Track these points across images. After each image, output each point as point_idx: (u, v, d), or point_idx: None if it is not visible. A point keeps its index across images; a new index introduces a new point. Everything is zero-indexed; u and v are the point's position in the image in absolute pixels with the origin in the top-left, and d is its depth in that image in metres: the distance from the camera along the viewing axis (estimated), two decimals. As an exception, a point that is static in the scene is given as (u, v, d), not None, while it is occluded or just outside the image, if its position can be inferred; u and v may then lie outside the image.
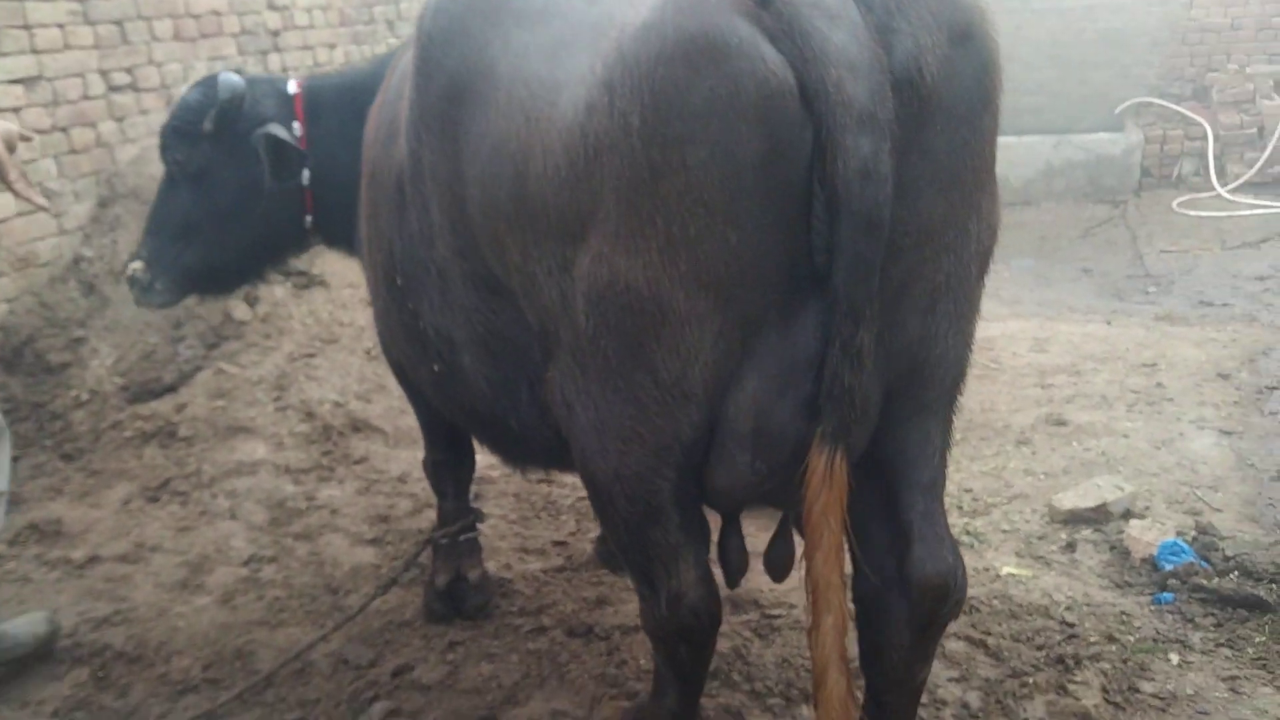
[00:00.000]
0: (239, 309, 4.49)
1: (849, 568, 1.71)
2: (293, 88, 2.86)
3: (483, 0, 1.79)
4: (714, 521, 1.88)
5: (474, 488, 3.16)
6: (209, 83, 2.87)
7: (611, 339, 1.60)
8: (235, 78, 2.81)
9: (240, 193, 2.83)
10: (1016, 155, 8.75)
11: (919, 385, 1.66)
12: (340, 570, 3.19)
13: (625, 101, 1.44)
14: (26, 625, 2.70)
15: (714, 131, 1.41)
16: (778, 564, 1.90)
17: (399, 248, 2.17)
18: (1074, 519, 3.37)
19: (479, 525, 2.99)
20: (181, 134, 2.87)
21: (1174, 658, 2.60)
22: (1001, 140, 7.14)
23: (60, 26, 4.34)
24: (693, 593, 1.77)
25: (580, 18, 1.63)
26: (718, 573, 1.88)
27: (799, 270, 1.50)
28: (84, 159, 4.50)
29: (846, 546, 1.68)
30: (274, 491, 3.71)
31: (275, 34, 5.64)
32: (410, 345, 2.31)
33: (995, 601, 2.88)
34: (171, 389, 4.20)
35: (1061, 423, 4.20)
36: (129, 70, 4.68)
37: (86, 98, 4.49)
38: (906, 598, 1.72)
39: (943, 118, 1.48)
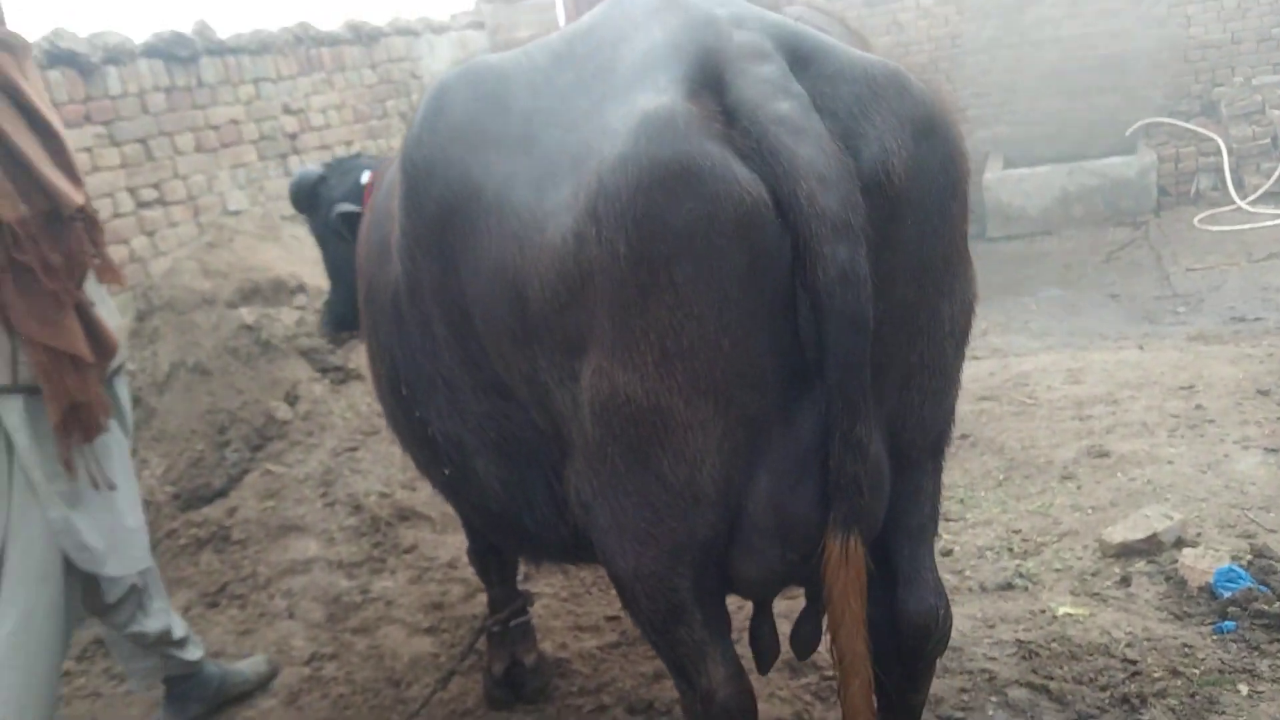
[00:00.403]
0: (280, 409, 4.60)
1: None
2: (365, 177, 3.10)
3: (464, 129, 1.83)
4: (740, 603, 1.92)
5: (522, 569, 3.21)
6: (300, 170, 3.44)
7: (618, 447, 1.66)
8: (309, 169, 3.33)
9: (338, 255, 3.16)
10: (1032, 186, 8.82)
11: (901, 449, 1.75)
12: (400, 662, 3.23)
13: (610, 230, 1.51)
14: (251, 665, 3.22)
15: (697, 249, 1.48)
16: (804, 644, 1.95)
17: (401, 359, 2.24)
18: (1126, 552, 3.35)
19: (529, 609, 3.02)
20: (296, 210, 3.42)
21: (1243, 688, 2.57)
22: (1015, 172, 7.33)
23: (88, 150, 4.54)
24: (723, 690, 1.78)
25: (560, 146, 1.66)
26: (749, 660, 1.92)
27: (794, 367, 1.57)
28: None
29: None
30: (329, 587, 3.77)
31: (293, 137, 5.85)
32: (420, 450, 2.39)
33: (1054, 644, 2.86)
34: (222, 494, 4.30)
35: (1104, 454, 4.18)
36: (156, 185, 4.88)
37: (117, 215, 4.68)
38: (895, 635, 1.82)
39: (912, 212, 1.56)
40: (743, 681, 1.80)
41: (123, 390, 2.74)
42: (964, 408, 4.95)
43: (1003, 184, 8.91)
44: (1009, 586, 3.30)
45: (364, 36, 6.37)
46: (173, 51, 4.96)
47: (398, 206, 2.03)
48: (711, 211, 1.45)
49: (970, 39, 9.54)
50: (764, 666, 1.97)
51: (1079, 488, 3.98)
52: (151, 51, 4.88)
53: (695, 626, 1.77)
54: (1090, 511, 3.76)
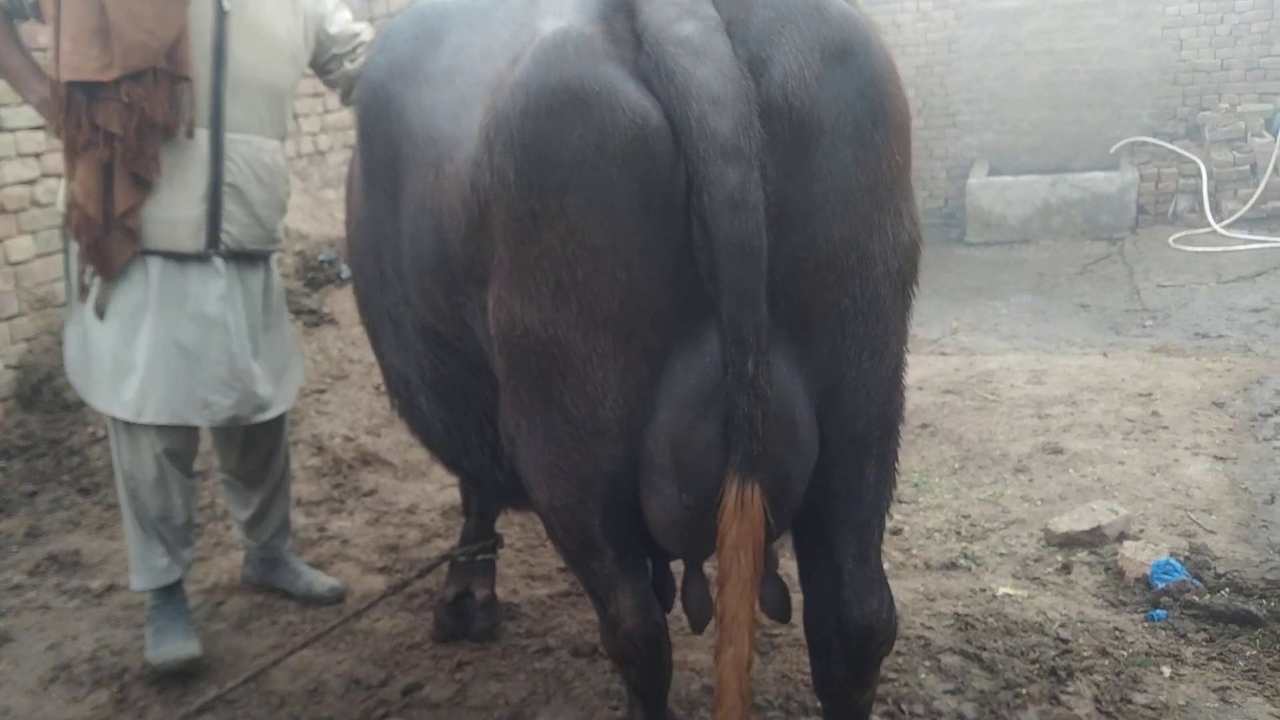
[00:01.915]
0: (252, 347, 4.60)
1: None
2: None
3: (400, 64, 1.85)
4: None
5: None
6: None
7: (522, 379, 1.66)
8: None
9: None
10: (1014, 194, 8.93)
11: (843, 414, 1.66)
12: (351, 597, 3.26)
13: (500, 157, 1.50)
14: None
15: (587, 177, 1.45)
16: (693, 612, 1.87)
17: (363, 293, 2.28)
18: (1069, 542, 3.44)
19: (498, 549, 3.06)
20: None
21: (1166, 670, 2.66)
22: (998, 180, 7.46)
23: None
24: (628, 620, 1.79)
25: (477, 75, 1.67)
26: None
27: (695, 301, 1.51)
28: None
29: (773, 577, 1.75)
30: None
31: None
32: (385, 382, 2.41)
33: (990, 619, 2.94)
34: (186, 425, 4.31)
35: (1058, 451, 4.27)
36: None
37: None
38: (839, 636, 1.77)
39: (826, 140, 1.49)
40: (648, 614, 1.80)
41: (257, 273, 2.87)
42: (926, 399, 5.09)
43: (985, 190, 9.02)
44: (953, 566, 3.38)
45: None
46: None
47: (356, 143, 2.07)
48: (600, 138, 1.43)
49: (966, 45, 9.62)
50: (696, 627, 1.90)
51: (1030, 480, 4.07)
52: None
53: (607, 560, 1.78)
54: (1039, 503, 3.85)
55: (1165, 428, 4.44)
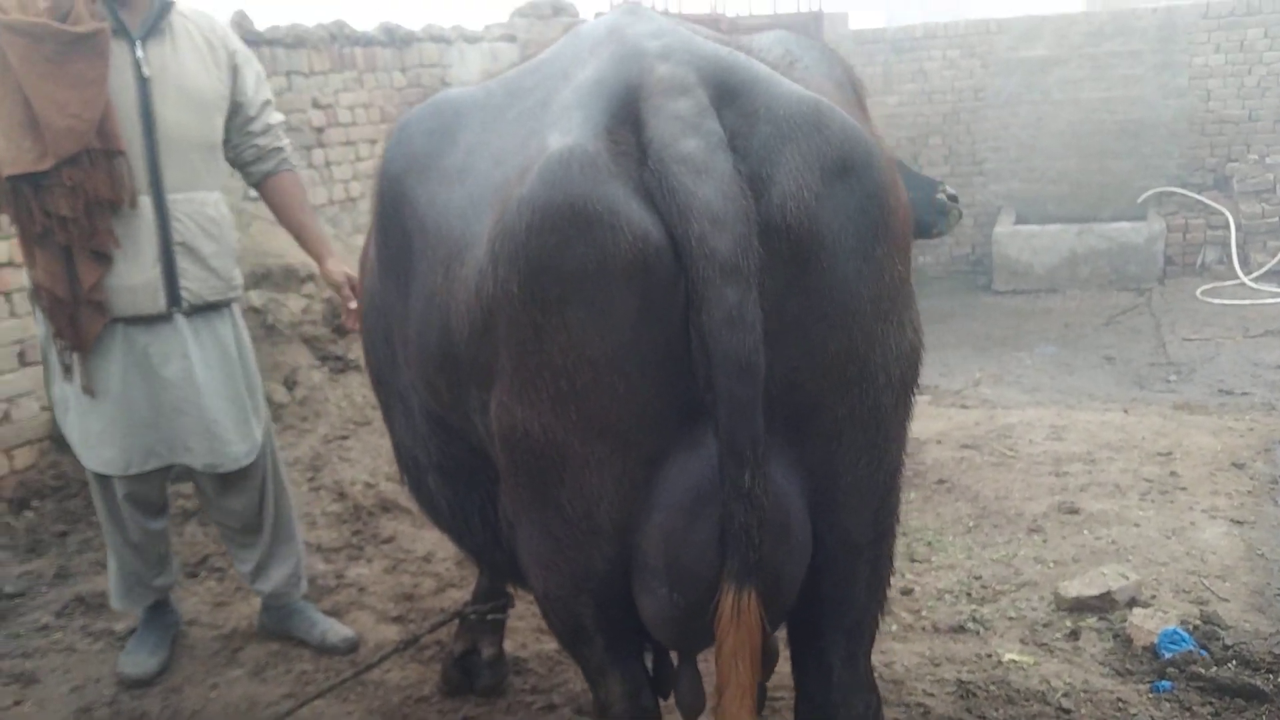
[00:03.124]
0: (278, 392, 4.72)
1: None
2: None
3: (415, 159, 1.88)
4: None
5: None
6: None
7: (522, 478, 1.69)
8: None
9: None
10: (1041, 243, 8.93)
11: (837, 519, 1.67)
12: (366, 646, 3.33)
13: (505, 270, 1.53)
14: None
15: (589, 292, 1.48)
16: (684, 702, 1.87)
17: (375, 370, 2.34)
18: (1079, 606, 3.44)
19: (508, 609, 3.12)
20: None
21: (1168, 745, 2.66)
22: (1025, 228, 7.50)
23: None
24: (617, 706, 1.83)
25: (488, 179, 1.68)
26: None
27: (692, 407, 1.53)
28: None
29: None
30: (308, 569, 3.87)
31: (319, 130, 6.03)
32: (396, 459, 2.47)
33: (993, 687, 2.95)
34: (213, 468, 4.42)
35: (1074, 511, 4.27)
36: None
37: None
38: None
39: (826, 255, 1.51)
40: (637, 701, 1.83)
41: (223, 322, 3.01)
42: (945, 454, 5.10)
43: (1012, 239, 9.03)
44: (960, 629, 3.39)
45: (397, 40, 6.53)
46: (209, 39, 5.13)
47: (372, 230, 2.12)
48: (602, 256, 1.46)
49: (993, 94, 9.68)
50: (687, 717, 1.90)
51: (1044, 541, 4.07)
52: (189, 37, 5.05)
53: (598, 648, 1.81)
54: (1052, 565, 3.84)
55: (1183, 489, 4.42)
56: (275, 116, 3.08)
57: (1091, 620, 3.37)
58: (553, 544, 1.73)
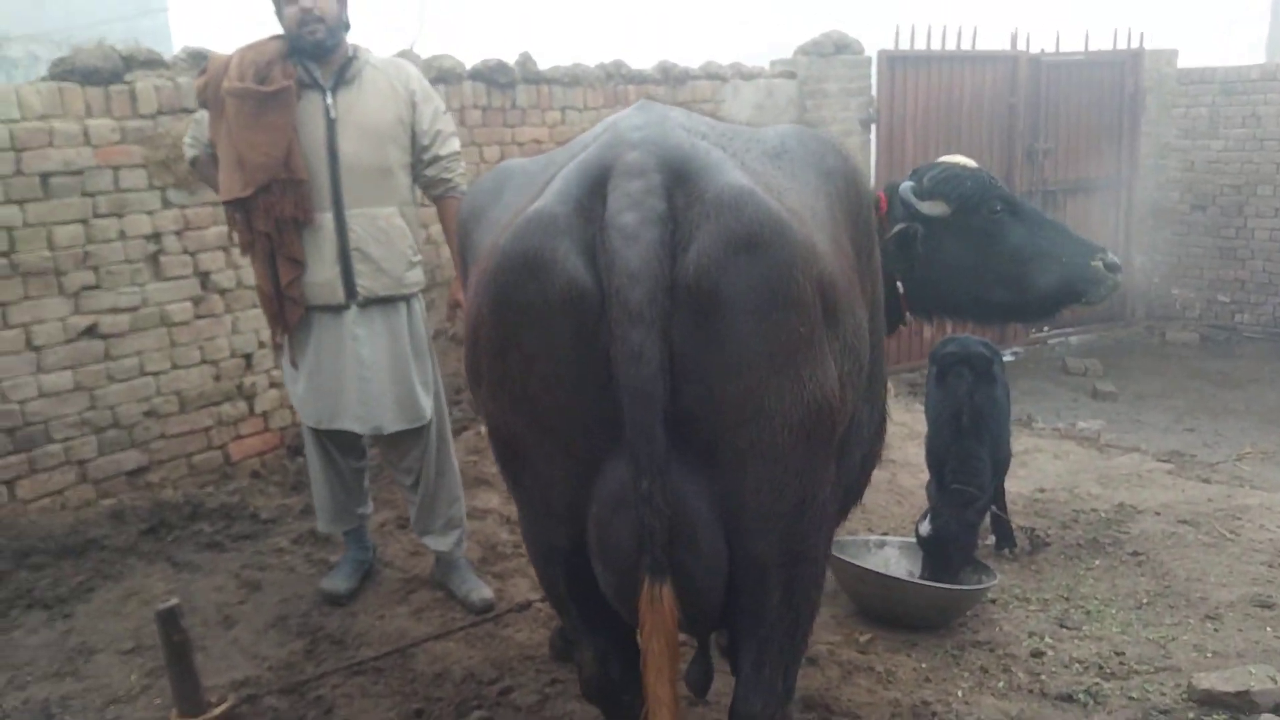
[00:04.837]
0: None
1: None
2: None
3: (475, 209, 2.35)
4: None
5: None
6: None
7: (502, 461, 2.10)
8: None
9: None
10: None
11: (744, 537, 1.91)
12: (509, 605, 3.85)
13: (481, 297, 1.95)
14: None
15: (537, 321, 1.84)
16: (696, 682, 2.26)
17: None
18: (1209, 700, 3.20)
19: None
20: None
21: None
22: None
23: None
24: (587, 669, 2.19)
25: (511, 210, 2.07)
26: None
27: (619, 422, 1.80)
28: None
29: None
30: (491, 536, 4.48)
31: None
32: None
33: (1055, 755, 2.89)
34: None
35: (1267, 605, 3.90)
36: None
37: (423, 204, 5.70)
38: None
39: (729, 312, 1.78)
40: (605, 668, 2.16)
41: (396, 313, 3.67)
42: (1156, 527, 4.83)
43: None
44: (1068, 698, 3.29)
45: (672, 78, 7.08)
46: (494, 77, 5.96)
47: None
48: (546, 294, 1.81)
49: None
50: (696, 694, 2.31)
51: (1216, 630, 3.77)
52: (476, 75, 5.90)
53: (572, 617, 2.19)
54: (1210, 655, 3.58)
55: None
56: (447, 148, 3.67)
57: (1221, 717, 3.15)
58: (527, 521, 2.16)
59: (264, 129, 3.33)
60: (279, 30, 3.49)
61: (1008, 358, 9.29)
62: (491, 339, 1.95)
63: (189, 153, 3.72)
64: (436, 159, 3.66)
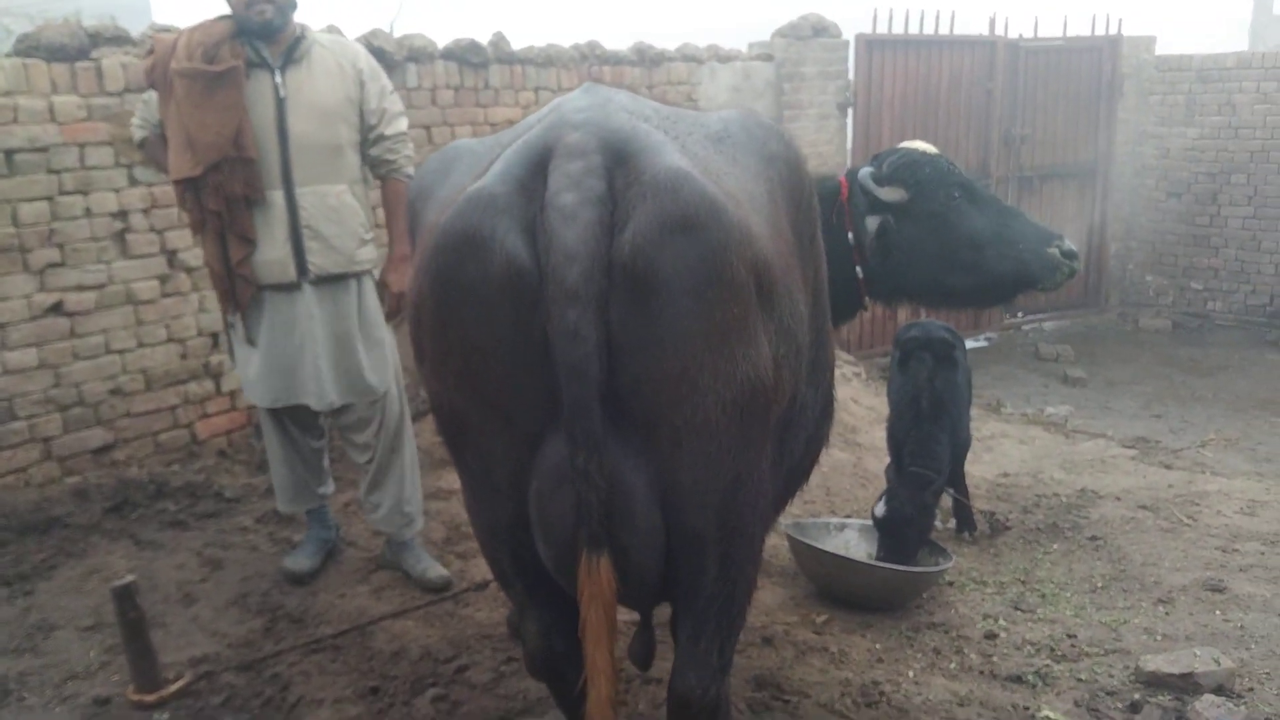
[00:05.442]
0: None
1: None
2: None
3: (423, 189, 2.38)
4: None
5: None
6: None
7: (446, 438, 2.12)
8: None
9: None
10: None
11: (679, 511, 1.94)
12: (469, 583, 3.88)
13: (422, 276, 1.96)
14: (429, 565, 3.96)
15: (477, 299, 1.85)
16: (638, 655, 2.31)
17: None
18: (1155, 681, 3.27)
19: None
20: None
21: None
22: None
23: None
24: (531, 642, 2.22)
25: (457, 189, 2.07)
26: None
27: (558, 398, 1.83)
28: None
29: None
30: (455, 517, 4.50)
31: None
32: None
33: (998, 735, 2.94)
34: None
35: (1218, 590, 3.97)
36: (434, 167, 5.85)
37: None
38: (668, 696, 2.10)
39: (663, 292, 1.80)
40: (548, 641, 2.19)
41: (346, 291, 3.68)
42: (1116, 512, 4.88)
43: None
44: (1018, 680, 3.34)
45: (648, 59, 7.05)
46: (466, 57, 5.93)
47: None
48: (485, 272, 1.83)
49: (1313, 131, 8.65)
50: (641, 668, 2.37)
51: (1167, 614, 3.84)
52: (448, 55, 5.87)
53: (516, 591, 2.22)
54: (1160, 638, 3.65)
55: (1363, 588, 3.96)
56: (393, 128, 3.67)
57: (1162, 698, 3.20)
58: (471, 497, 2.18)
59: (213, 108, 3.32)
60: (227, 10, 3.47)
61: (981, 343, 9.38)
62: (433, 316, 1.96)
63: (137, 134, 3.70)
64: (382, 138, 3.65)
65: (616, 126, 1.92)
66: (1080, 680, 3.36)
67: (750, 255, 1.87)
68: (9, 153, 4.26)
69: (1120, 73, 9.52)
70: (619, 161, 1.86)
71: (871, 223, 3.51)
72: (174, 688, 3.11)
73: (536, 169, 1.89)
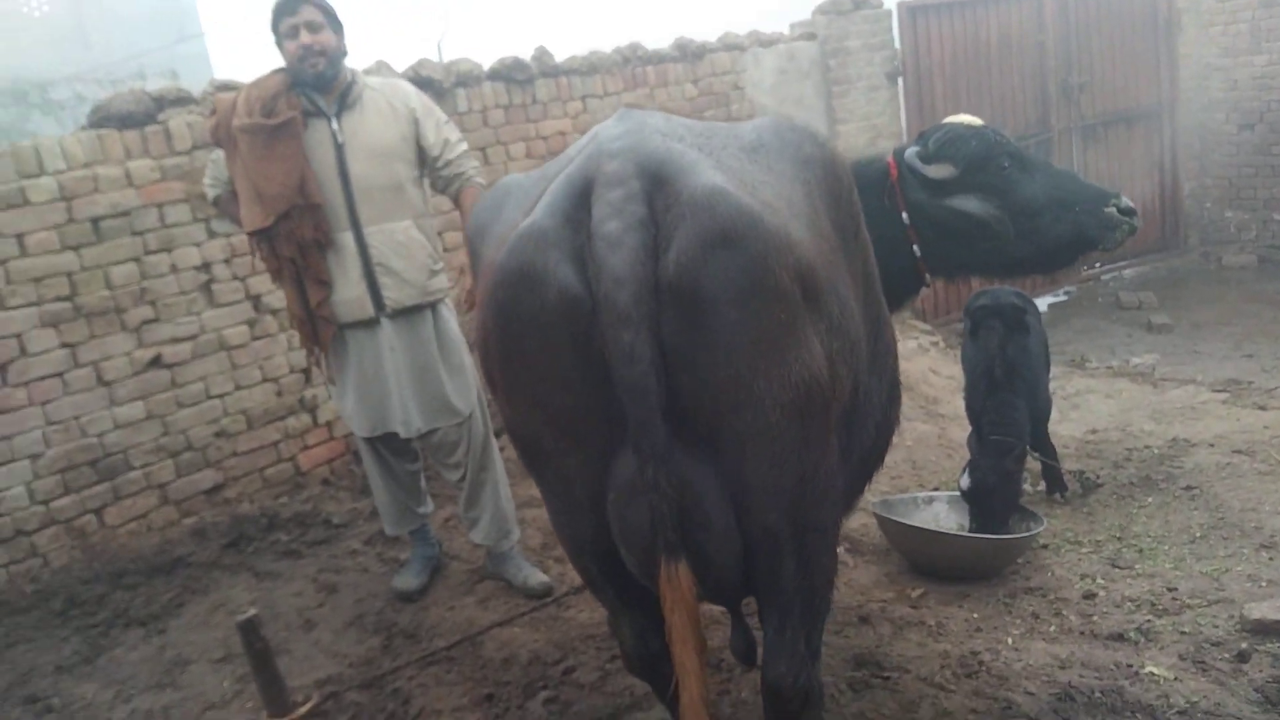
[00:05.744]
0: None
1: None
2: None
3: (479, 226, 2.47)
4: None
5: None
6: None
7: (525, 462, 2.23)
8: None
9: None
10: None
11: (753, 511, 2.00)
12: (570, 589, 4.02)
13: (485, 311, 2.06)
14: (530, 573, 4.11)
15: (537, 329, 1.95)
16: (739, 651, 2.43)
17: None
18: (1261, 629, 3.24)
19: None
20: None
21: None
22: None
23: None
24: (627, 644, 2.34)
25: (510, 225, 2.16)
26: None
27: (623, 416, 1.91)
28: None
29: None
30: (549, 522, 4.62)
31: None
32: None
33: (1100, 695, 2.92)
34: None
35: (1323, 530, 3.90)
36: (489, 186, 5.96)
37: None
38: (761, 687, 2.18)
39: (711, 306, 1.87)
40: (643, 642, 2.30)
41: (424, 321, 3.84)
42: (1210, 459, 4.82)
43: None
44: (1119, 637, 3.34)
45: (690, 54, 7.10)
46: (512, 75, 6.06)
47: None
48: (542, 304, 1.92)
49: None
50: (744, 665, 2.48)
51: (1271, 560, 3.79)
52: (495, 75, 6.02)
53: (608, 597, 2.34)
54: (1265, 585, 3.60)
55: None
56: (456, 150, 3.82)
57: (1272, 645, 3.18)
58: (554, 513, 2.30)
59: (276, 160, 3.50)
60: (282, 64, 3.65)
61: (1060, 298, 9.22)
62: (499, 348, 2.08)
63: (210, 193, 3.91)
64: (449, 163, 3.81)
65: (652, 150, 2.00)
66: (1184, 633, 3.34)
67: (792, 261, 1.93)
68: (95, 220, 4.53)
69: (1177, 7, 9.25)
70: (657, 185, 1.94)
71: (968, 203, 3.49)
72: (303, 710, 3.30)
73: (580, 200, 1.98)
